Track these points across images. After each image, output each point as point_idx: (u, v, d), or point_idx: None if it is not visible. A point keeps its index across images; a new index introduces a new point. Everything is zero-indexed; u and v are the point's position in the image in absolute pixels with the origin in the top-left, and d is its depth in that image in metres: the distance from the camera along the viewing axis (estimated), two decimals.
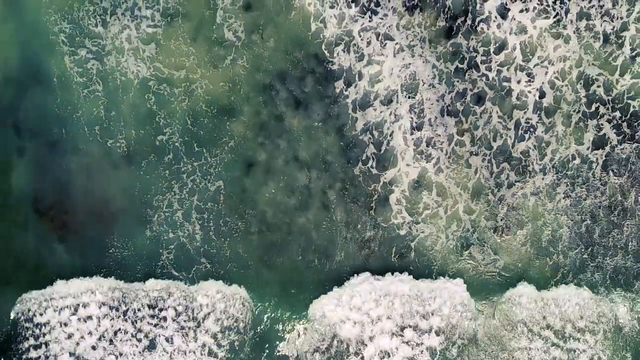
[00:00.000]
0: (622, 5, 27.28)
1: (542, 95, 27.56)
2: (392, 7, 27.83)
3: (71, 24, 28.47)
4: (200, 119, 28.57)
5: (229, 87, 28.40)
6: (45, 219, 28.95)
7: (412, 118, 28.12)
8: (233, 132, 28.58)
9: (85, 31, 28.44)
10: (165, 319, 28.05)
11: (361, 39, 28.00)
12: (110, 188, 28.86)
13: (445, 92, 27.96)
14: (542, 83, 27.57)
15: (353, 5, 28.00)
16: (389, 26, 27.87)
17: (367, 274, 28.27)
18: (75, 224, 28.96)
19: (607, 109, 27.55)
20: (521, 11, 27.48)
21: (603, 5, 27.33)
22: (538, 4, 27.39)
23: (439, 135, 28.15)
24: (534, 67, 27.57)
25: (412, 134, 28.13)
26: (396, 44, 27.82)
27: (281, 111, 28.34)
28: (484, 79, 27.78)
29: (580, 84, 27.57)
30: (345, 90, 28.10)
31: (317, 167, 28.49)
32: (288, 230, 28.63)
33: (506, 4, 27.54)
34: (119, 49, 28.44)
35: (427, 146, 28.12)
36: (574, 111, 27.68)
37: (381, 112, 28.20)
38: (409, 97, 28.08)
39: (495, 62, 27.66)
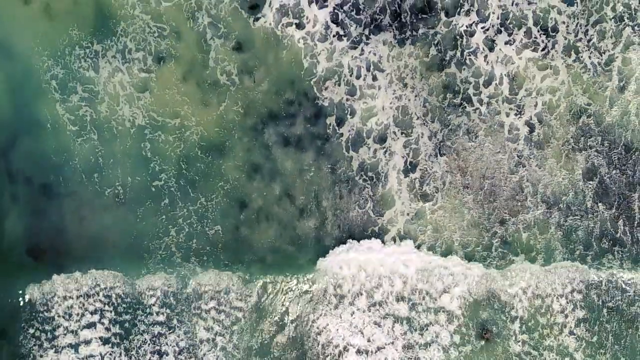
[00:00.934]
0: (610, 37, 27.77)
1: (532, 128, 27.95)
2: (382, 40, 28.15)
3: (64, 69, 28.46)
4: (195, 164, 28.68)
5: (222, 131, 28.52)
6: (39, 262, 28.95)
7: (406, 156, 28.40)
8: (227, 175, 28.73)
9: (78, 76, 28.45)
10: None
11: (352, 72, 28.26)
12: (107, 232, 28.87)
13: (439, 129, 28.30)
14: (531, 116, 27.95)
15: (344, 38, 28.28)
16: (380, 58, 28.15)
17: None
18: (69, 267, 29.00)
19: (597, 140, 28.02)
20: (507, 43, 27.87)
21: (590, 40, 27.80)
22: (524, 37, 27.80)
23: (435, 173, 28.45)
24: (521, 99, 27.98)
25: (406, 175, 28.45)
26: (387, 74, 28.10)
27: (275, 154, 28.53)
28: (476, 112, 28.13)
29: (570, 115, 27.98)
30: (339, 129, 28.32)
31: (311, 212, 28.79)
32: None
33: (493, 37, 27.92)
34: (113, 96, 28.45)
35: (422, 185, 28.45)
36: (565, 143, 28.10)
37: (375, 150, 28.46)
38: (402, 134, 28.35)
39: (485, 95, 28.04)
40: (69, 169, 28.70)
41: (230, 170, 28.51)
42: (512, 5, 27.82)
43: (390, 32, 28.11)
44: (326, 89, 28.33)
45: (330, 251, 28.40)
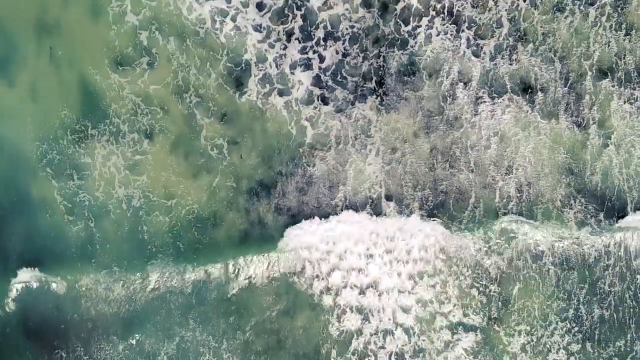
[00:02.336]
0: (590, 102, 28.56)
1: (520, 190, 28.71)
2: (370, 107, 28.83)
3: (60, 155, 28.66)
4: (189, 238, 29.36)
5: (217, 209, 29.06)
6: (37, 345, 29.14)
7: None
8: (226, 252, 29.40)
9: (73, 161, 28.88)
10: None
11: (340, 139, 28.95)
12: (103, 319, 29.03)
13: (429, 195, 29.13)
14: (518, 178, 28.70)
15: (331, 103, 28.94)
16: (367, 123, 28.83)
17: None
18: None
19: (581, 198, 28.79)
20: (492, 109, 28.60)
21: (569, 103, 28.52)
22: (509, 101, 28.53)
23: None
24: (509, 162, 28.74)
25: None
26: (372, 143, 28.83)
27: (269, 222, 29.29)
28: (470, 174, 28.89)
29: (554, 174, 28.71)
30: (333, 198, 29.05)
31: None
32: None
33: (478, 101, 28.59)
34: (108, 180, 28.93)
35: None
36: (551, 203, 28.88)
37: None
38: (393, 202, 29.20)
39: (473, 158, 28.82)
40: (64, 253, 28.98)
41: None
42: (493, 66, 28.58)
43: (376, 96, 28.82)
44: (315, 156, 29.05)
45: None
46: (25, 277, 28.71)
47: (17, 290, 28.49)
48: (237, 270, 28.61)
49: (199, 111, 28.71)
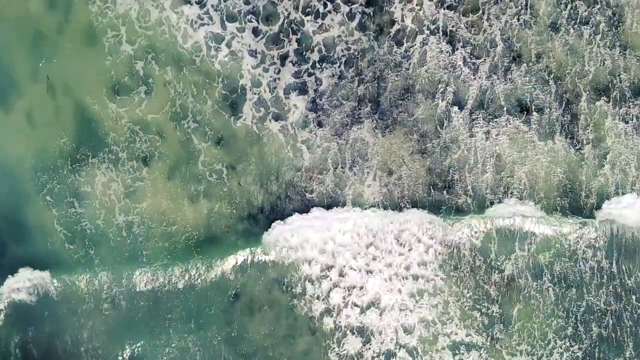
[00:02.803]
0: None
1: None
2: (367, 129, 29.02)
3: (60, 183, 28.88)
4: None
5: (216, 231, 29.29)
6: None
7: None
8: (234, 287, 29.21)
9: (73, 190, 29.05)
10: None
11: (337, 163, 29.16)
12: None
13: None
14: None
15: (327, 127, 29.13)
16: (365, 146, 29.03)
17: None
18: None
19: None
20: (488, 125, 28.77)
21: (564, 124, 28.78)
22: (505, 122, 28.71)
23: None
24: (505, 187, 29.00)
25: None
26: (369, 167, 29.04)
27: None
28: (467, 197, 29.07)
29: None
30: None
31: None
32: None
33: (473, 123, 28.77)
34: (109, 208, 29.13)
35: None
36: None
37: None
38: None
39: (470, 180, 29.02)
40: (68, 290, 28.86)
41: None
42: (490, 85, 28.73)
43: (372, 119, 28.99)
44: (313, 180, 29.25)
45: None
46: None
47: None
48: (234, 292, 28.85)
49: (196, 137, 28.95)
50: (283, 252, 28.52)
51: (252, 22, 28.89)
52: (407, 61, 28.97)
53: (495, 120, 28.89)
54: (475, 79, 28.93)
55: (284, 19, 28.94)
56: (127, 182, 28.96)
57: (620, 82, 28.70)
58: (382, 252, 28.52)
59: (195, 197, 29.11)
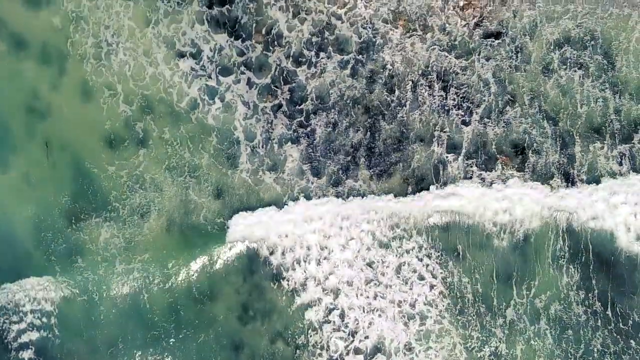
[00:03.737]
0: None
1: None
2: (362, 177, 29.33)
3: (65, 243, 29.43)
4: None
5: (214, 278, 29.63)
6: None
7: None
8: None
9: (77, 248, 29.53)
10: None
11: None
12: None
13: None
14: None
15: (324, 177, 29.47)
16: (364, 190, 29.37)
17: None
18: None
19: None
20: (482, 174, 29.02)
21: (560, 165, 28.91)
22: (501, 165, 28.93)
23: None
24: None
25: None
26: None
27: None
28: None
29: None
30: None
31: None
32: None
33: (469, 166, 28.97)
34: (110, 261, 29.58)
35: None
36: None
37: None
38: None
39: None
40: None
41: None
42: (482, 129, 28.89)
43: (367, 167, 29.24)
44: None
45: None
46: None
47: None
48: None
49: (195, 191, 29.31)
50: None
51: (244, 73, 29.16)
52: (401, 107, 29.11)
53: (490, 163, 28.99)
54: (469, 123, 28.97)
55: (276, 69, 29.16)
56: (127, 236, 29.40)
57: (613, 123, 28.60)
58: None
59: (195, 248, 29.46)
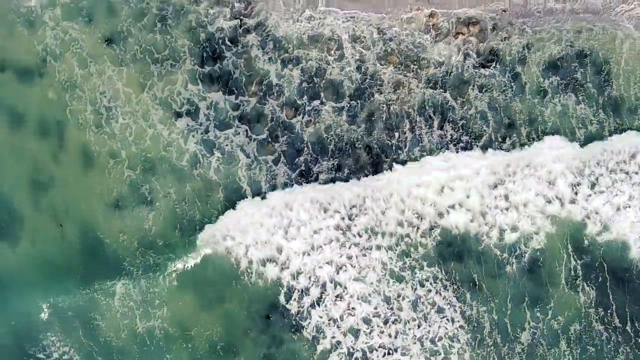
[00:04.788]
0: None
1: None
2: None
3: (74, 308, 29.88)
4: None
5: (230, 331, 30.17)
6: None
7: None
8: None
9: (95, 308, 30.10)
10: None
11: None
12: None
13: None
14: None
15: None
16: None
17: None
18: None
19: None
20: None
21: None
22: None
23: None
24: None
25: None
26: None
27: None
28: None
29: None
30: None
31: None
32: None
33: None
34: (131, 318, 30.01)
35: None
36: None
37: None
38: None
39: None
40: None
41: None
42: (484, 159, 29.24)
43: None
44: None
45: None
46: None
47: None
48: None
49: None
50: None
51: (240, 127, 29.56)
52: (401, 148, 29.49)
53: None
54: (469, 151, 29.32)
55: (272, 118, 29.53)
56: (144, 293, 29.91)
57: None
58: None
59: (210, 302, 29.99)
